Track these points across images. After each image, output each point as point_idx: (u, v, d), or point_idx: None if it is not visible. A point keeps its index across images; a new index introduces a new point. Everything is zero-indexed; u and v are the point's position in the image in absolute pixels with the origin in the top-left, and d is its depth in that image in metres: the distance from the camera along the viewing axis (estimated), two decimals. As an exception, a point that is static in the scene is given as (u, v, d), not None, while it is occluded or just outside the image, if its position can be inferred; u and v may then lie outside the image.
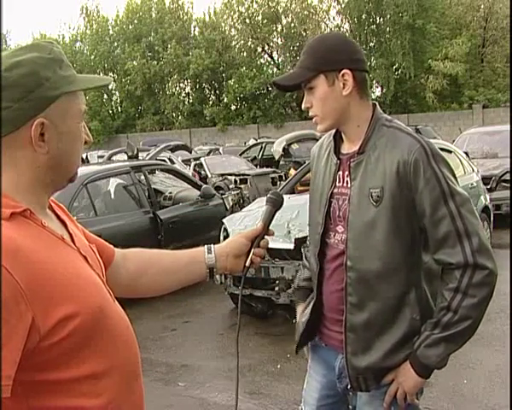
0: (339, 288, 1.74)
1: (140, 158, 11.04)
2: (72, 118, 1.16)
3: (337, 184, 1.79)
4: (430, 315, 1.66)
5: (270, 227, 1.63)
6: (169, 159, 12.70)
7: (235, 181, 12.08)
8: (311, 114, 1.76)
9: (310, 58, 1.71)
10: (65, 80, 1.14)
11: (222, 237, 5.68)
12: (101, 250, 1.38)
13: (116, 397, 1.15)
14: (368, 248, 1.67)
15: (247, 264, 1.60)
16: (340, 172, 1.78)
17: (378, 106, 1.77)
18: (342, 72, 1.67)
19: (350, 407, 1.83)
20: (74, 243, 1.20)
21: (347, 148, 1.78)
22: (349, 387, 1.77)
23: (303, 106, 1.77)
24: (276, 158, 14.07)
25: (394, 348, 1.68)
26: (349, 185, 1.73)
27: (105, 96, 37.61)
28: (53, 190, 1.21)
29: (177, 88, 36.37)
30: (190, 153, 15.92)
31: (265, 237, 1.64)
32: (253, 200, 7.82)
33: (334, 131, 1.83)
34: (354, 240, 1.70)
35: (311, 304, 1.85)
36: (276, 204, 1.69)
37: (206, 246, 1.57)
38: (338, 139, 1.82)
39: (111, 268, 1.43)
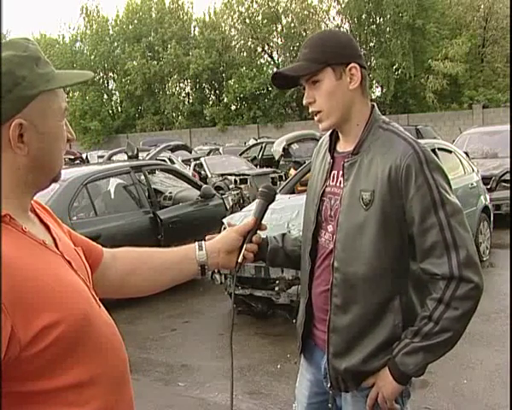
0: (326, 288, 1.73)
1: (140, 158, 11.04)
2: (52, 117, 1.12)
3: (330, 183, 1.76)
4: (414, 323, 1.63)
5: (264, 221, 1.61)
6: (169, 159, 12.71)
7: (235, 181, 12.08)
8: (312, 109, 1.70)
9: (316, 51, 1.66)
10: (42, 78, 1.09)
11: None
12: (88, 251, 1.34)
13: (103, 405, 1.12)
14: (355, 251, 1.65)
15: (240, 260, 1.56)
16: (335, 172, 1.76)
17: (377, 107, 1.75)
18: (350, 66, 1.64)
19: (329, 405, 1.82)
20: (58, 248, 1.15)
21: (343, 147, 1.76)
22: (329, 386, 1.77)
23: (304, 101, 1.72)
24: (276, 158, 14.07)
25: (374, 352, 1.67)
26: (342, 185, 1.71)
27: (105, 96, 37.65)
28: (35, 191, 1.17)
29: (177, 88, 36.42)
30: (190, 153, 15.93)
31: (258, 231, 1.61)
32: (253, 200, 7.82)
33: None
34: (342, 241, 1.67)
35: (304, 304, 1.84)
36: (268, 198, 1.67)
37: (197, 243, 1.54)
38: (334, 137, 1.80)
39: (100, 269, 1.39)
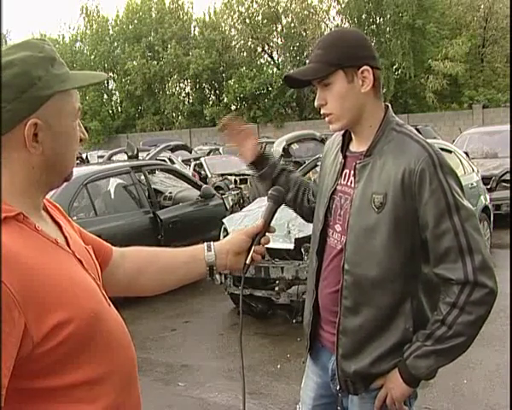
0: (334, 289, 1.72)
1: (140, 158, 11.04)
2: (66, 117, 1.13)
3: (342, 181, 1.76)
4: (424, 327, 1.63)
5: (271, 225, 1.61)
6: (169, 159, 12.69)
7: (235, 181, 12.05)
8: (324, 111, 1.70)
9: (329, 53, 1.65)
10: (58, 79, 1.11)
11: (222, 237, 5.68)
12: (98, 250, 1.35)
13: (112, 402, 1.13)
14: (366, 254, 1.64)
15: (248, 262, 1.56)
16: (347, 171, 1.75)
17: (391, 108, 1.73)
18: (362, 68, 1.63)
19: (338, 408, 1.81)
20: (69, 247, 1.17)
21: (356, 147, 1.75)
22: (338, 388, 1.76)
23: (316, 103, 1.71)
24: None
25: (383, 355, 1.66)
26: (353, 185, 1.70)
27: (105, 96, 37.62)
28: (48, 189, 1.18)
29: (177, 88, 36.37)
30: (190, 153, 15.91)
31: (266, 234, 1.61)
32: (253, 200, 7.81)
33: None
34: (353, 243, 1.67)
35: (311, 303, 1.83)
36: (277, 201, 1.66)
37: (205, 243, 1.54)
38: (347, 137, 1.79)
39: (109, 268, 1.40)
